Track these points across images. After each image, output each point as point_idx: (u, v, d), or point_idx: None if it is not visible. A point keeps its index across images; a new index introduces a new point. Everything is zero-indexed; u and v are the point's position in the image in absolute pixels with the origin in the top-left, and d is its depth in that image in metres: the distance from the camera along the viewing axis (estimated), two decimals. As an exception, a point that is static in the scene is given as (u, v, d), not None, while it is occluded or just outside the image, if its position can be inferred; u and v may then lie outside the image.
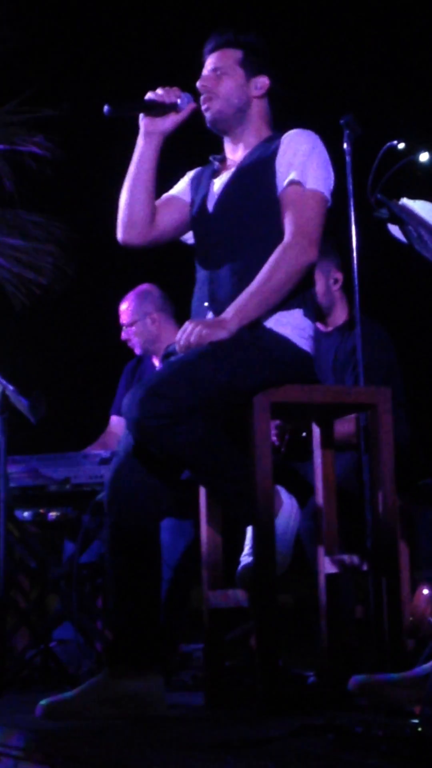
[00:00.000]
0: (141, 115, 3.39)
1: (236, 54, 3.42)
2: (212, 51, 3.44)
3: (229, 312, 3.18)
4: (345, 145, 3.74)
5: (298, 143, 3.31)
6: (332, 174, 3.35)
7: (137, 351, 4.95)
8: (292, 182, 3.27)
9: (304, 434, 4.08)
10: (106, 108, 3.30)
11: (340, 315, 4.40)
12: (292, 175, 3.27)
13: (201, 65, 3.47)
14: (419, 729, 2.17)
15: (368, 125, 3.81)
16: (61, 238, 13.45)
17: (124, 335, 4.96)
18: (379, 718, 2.69)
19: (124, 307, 4.98)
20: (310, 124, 3.44)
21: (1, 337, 12.95)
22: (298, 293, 3.26)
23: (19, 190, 13.36)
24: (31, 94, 13.03)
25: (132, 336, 4.92)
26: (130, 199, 3.42)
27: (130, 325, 4.92)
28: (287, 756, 2.21)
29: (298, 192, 3.26)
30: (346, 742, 2.25)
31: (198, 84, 3.40)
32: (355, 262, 3.72)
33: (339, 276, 4.36)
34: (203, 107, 3.41)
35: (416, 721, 2.32)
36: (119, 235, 3.46)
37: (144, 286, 5.03)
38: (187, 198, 3.51)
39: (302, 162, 3.28)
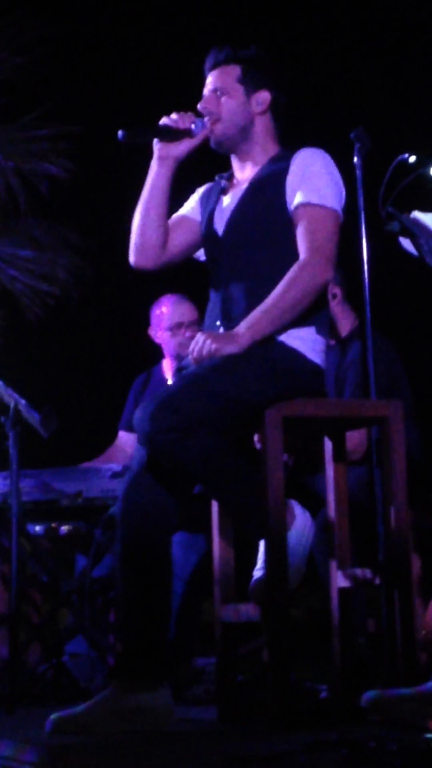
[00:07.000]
0: (155, 140, 3.40)
1: (235, 70, 3.40)
2: (212, 68, 3.43)
3: (242, 327, 3.19)
4: (355, 159, 3.73)
5: (309, 163, 3.31)
6: (344, 191, 3.35)
7: (179, 352, 4.69)
8: (305, 202, 3.26)
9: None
10: (120, 134, 3.30)
11: (343, 328, 4.40)
12: (305, 195, 3.27)
13: (202, 81, 3.46)
14: (433, 744, 2.16)
15: (378, 138, 3.80)
16: (77, 243, 13.40)
17: (186, 334, 4.71)
18: (392, 733, 2.68)
19: (183, 306, 4.77)
20: (319, 137, 3.44)
21: (12, 352, 12.96)
22: (312, 313, 3.26)
23: (33, 199, 13.34)
24: (45, 109, 13.05)
25: (192, 334, 4.56)
26: (142, 223, 3.42)
27: (198, 323, 4.69)
28: (300, 771, 2.21)
29: (313, 211, 3.26)
30: (360, 758, 2.24)
31: (199, 106, 3.40)
32: (366, 275, 3.72)
33: (337, 291, 4.35)
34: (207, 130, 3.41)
35: (430, 736, 2.31)
36: (131, 258, 3.46)
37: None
38: (198, 217, 3.51)
39: (314, 181, 3.28)
